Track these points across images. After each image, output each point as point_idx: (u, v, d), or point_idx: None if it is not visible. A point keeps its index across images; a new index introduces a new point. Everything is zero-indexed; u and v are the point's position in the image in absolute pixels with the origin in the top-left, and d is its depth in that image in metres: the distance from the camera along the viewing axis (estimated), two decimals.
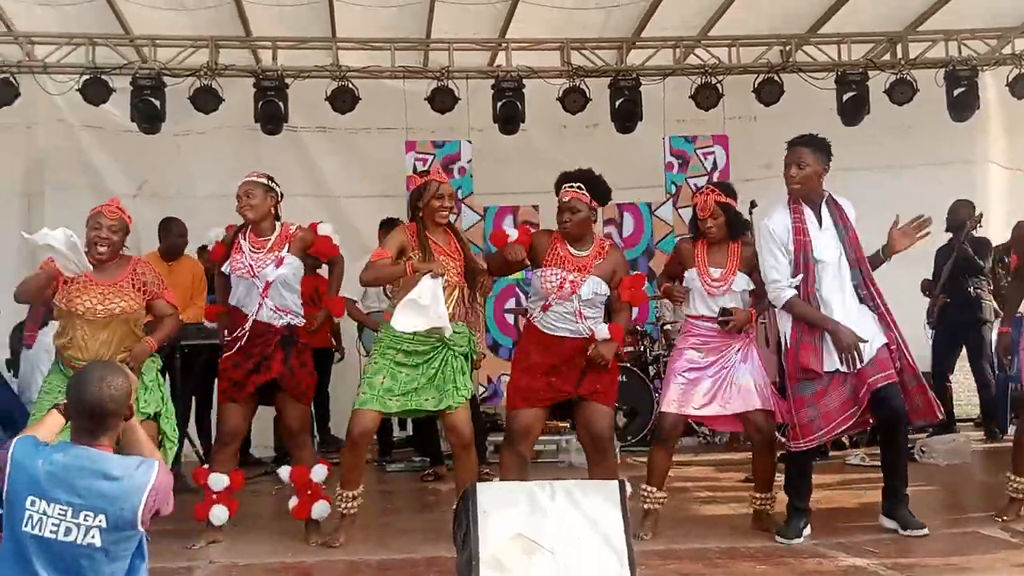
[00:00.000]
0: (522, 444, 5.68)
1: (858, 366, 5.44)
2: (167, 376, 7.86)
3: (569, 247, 5.72)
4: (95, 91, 9.75)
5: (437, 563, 5.01)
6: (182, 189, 10.64)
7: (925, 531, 5.56)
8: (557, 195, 5.76)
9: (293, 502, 5.87)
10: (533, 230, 6.13)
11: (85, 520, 3.44)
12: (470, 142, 10.84)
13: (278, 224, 5.96)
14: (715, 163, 11.05)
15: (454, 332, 5.59)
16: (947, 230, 9.19)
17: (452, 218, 6.12)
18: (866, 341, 5.45)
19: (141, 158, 10.65)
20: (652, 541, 5.62)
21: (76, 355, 5.52)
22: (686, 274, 5.89)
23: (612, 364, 5.74)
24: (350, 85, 10.11)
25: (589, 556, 4.29)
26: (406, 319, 5.37)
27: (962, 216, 9.07)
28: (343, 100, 10.12)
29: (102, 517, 3.45)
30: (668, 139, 11.03)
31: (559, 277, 5.65)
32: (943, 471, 7.78)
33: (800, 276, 5.59)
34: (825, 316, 5.56)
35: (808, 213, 5.65)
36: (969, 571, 4.83)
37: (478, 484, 4.45)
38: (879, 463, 5.93)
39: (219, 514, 5.80)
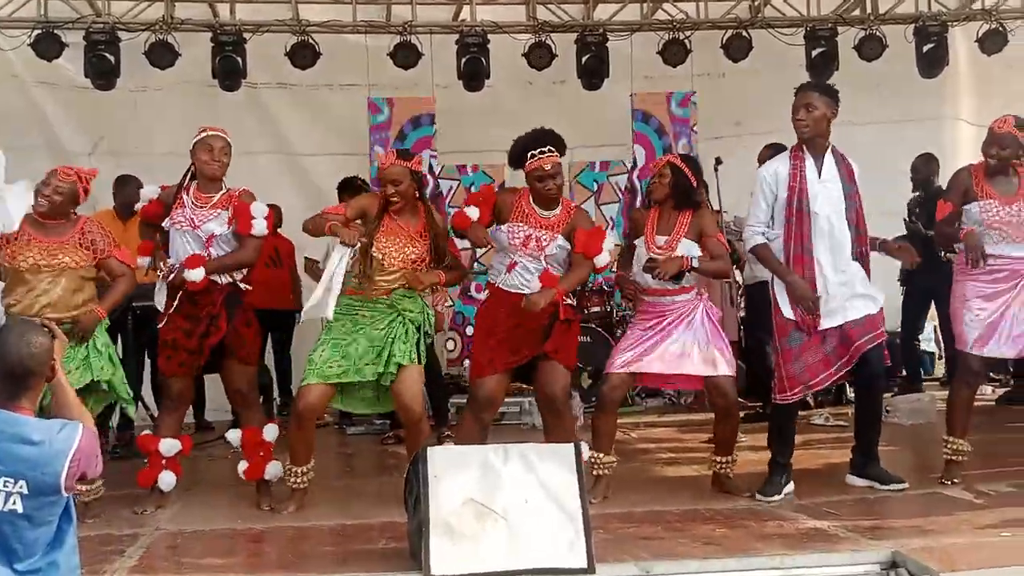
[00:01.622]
0: (485, 412, 5.60)
1: (816, 322, 5.41)
2: (119, 336, 7.72)
3: (536, 207, 5.58)
4: (47, 46, 9.48)
5: (391, 528, 4.88)
6: (139, 146, 10.34)
7: (904, 484, 5.56)
8: (524, 161, 5.54)
9: (243, 465, 5.73)
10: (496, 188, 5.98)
11: (5, 487, 3.31)
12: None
13: (224, 185, 5.78)
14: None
15: (403, 296, 5.47)
16: (913, 188, 9.12)
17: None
18: (817, 296, 5.43)
19: (97, 115, 10.38)
20: (611, 503, 5.55)
21: (23, 313, 5.38)
22: (636, 243, 5.77)
23: (573, 327, 5.63)
24: (310, 40, 9.87)
25: (543, 521, 4.18)
26: (313, 311, 5.41)
27: (924, 172, 8.99)
28: (303, 56, 9.88)
29: (23, 483, 3.32)
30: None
31: (524, 233, 5.54)
32: (907, 431, 7.73)
33: (778, 231, 5.54)
34: (783, 267, 5.52)
35: (809, 162, 5.53)
36: (932, 533, 4.74)
37: (429, 448, 4.32)
38: (845, 423, 5.89)
39: (168, 479, 5.66)
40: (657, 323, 5.65)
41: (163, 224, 5.75)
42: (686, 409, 9.29)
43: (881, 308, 5.58)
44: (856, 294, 5.49)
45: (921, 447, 7.05)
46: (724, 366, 5.62)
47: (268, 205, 8.18)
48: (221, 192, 5.72)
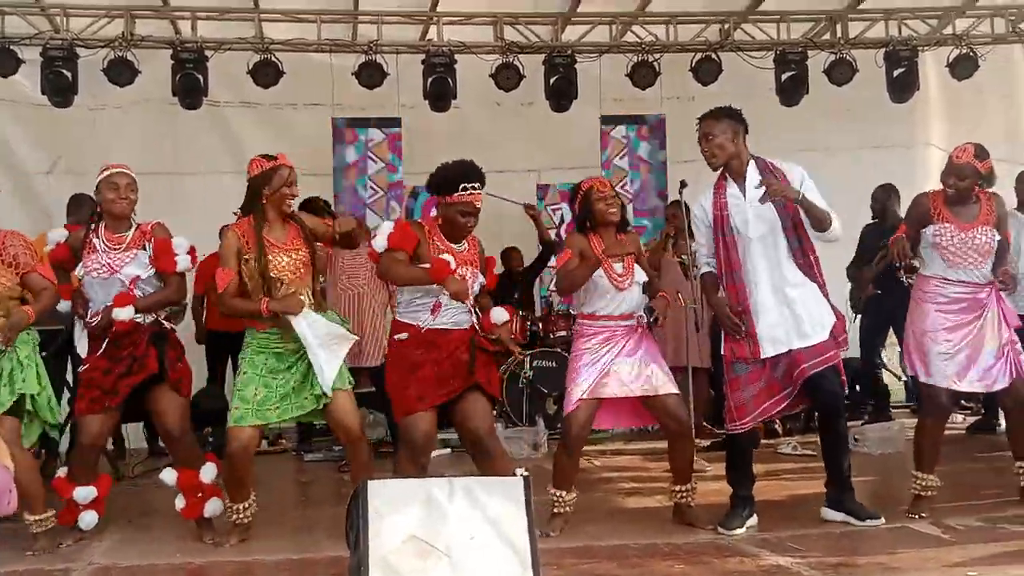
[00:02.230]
0: (424, 455, 5.18)
1: (753, 348, 5.31)
2: (69, 362, 7.49)
3: (449, 241, 5.24)
4: (2, 62, 9.28)
5: (338, 564, 4.66)
6: (98, 165, 9.94)
7: (881, 520, 5.39)
8: (452, 191, 5.13)
9: (180, 503, 5.49)
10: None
11: None
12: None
13: (133, 221, 5.55)
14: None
15: (323, 318, 5.27)
16: (873, 217, 9.06)
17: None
18: (741, 315, 5.34)
19: (55, 133, 10.18)
20: (568, 538, 5.36)
21: None
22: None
23: (493, 360, 5.37)
24: (273, 58, 9.70)
25: (489, 558, 3.96)
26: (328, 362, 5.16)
27: (882, 200, 8.94)
28: (266, 74, 9.71)
29: None
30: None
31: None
32: (876, 460, 7.56)
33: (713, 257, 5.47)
34: (710, 290, 5.53)
35: (732, 186, 5.43)
36: (898, 571, 4.58)
37: (370, 482, 4.10)
38: (813, 452, 5.72)
39: (88, 519, 5.43)
40: (600, 347, 5.47)
41: (76, 272, 5.54)
42: (654, 436, 9.08)
43: (833, 330, 5.39)
44: (801, 323, 5.31)
45: (890, 477, 6.88)
46: (670, 385, 5.48)
47: (225, 227, 8.10)
48: (132, 229, 5.51)
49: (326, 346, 5.17)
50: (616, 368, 5.44)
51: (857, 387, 10.02)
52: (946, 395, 5.59)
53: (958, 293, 5.58)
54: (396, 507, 4.00)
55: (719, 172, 5.52)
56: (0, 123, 10.37)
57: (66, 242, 5.60)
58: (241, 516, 5.34)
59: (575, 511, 5.60)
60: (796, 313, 5.32)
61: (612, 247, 5.48)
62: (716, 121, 5.43)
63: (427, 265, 5.08)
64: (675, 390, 5.51)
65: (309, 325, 5.14)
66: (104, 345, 5.36)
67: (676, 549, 5.08)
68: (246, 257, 5.22)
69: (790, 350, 5.31)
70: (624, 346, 5.47)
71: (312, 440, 8.82)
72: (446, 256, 5.10)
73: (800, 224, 5.36)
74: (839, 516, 5.48)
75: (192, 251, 5.57)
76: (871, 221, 9.16)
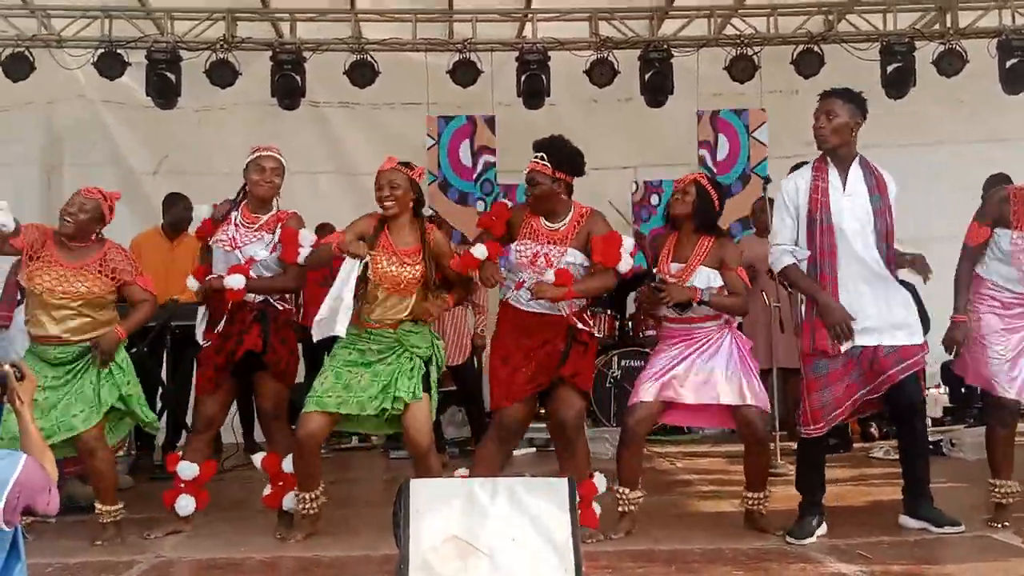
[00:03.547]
0: (510, 441, 5.42)
1: (847, 345, 5.07)
2: (162, 358, 7.71)
3: (543, 220, 5.35)
4: (110, 65, 9.58)
5: (390, 561, 4.65)
6: (202, 165, 10.37)
7: (961, 528, 5.18)
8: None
9: (267, 491, 5.64)
10: (510, 204, 5.74)
11: None
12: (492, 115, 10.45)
13: (275, 205, 5.70)
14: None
15: (409, 331, 5.27)
16: None
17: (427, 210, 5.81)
18: (853, 319, 5.08)
19: (161, 134, 10.48)
20: (634, 540, 5.27)
21: (40, 334, 5.37)
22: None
23: (591, 350, 5.41)
24: (369, 58, 9.79)
25: (530, 560, 3.93)
26: (323, 328, 5.17)
27: None
28: (362, 74, 9.82)
29: None
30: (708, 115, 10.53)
31: (531, 251, 5.31)
32: (970, 466, 7.25)
33: (807, 247, 5.20)
34: (814, 287, 5.18)
35: (833, 173, 5.20)
36: None
37: (412, 481, 4.10)
38: None
39: (183, 503, 5.59)
40: (682, 350, 5.37)
41: (208, 240, 5.71)
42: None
43: (923, 339, 5.21)
44: (895, 321, 5.14)
45: (980, 485, 6.57)
46: (751, 397, 5.30)
47: (322, 224, 8.23)
48: (270, 214, 5.65)
49: (342, 300, 5.12)
50: (692, 373, 5.34)
51: (963, 390, 9.70)
52: (1011, 400, 5.33)
53: (1012, 299, 5.34)
54: (437, 507, 4.00)
55: (820, 155, 5.29)
56: (108, 124, 10.72)
57: (212, 217, 5.76)
58: (308, 506, 5.39)
59: (646, 513, 5.53)
60: (892, 310, 5.14)
61: (680, 250, 5.44)
62: (843, 101, 5.20)
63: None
64: (756, 403, 5.31)
65: (349, 274, 5.11)
66: (220, 326, 5.54)
67: (740, 555, 4.95)
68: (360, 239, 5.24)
69: (876, 348, 5.10)
70: (693, 349, 5.37)
71: (400, 438, 8.85)
72: (476, 249, 5.26)
73: (891, 232, 5.16)
74: (917, 524, 5.28)
75: (316, 244, 5.59)
76: None
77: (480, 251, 5.27)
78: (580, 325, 5.33)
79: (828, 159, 5.24)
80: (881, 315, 5.13)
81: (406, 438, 5.38)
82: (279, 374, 5.63)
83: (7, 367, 3.55)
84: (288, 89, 9.80)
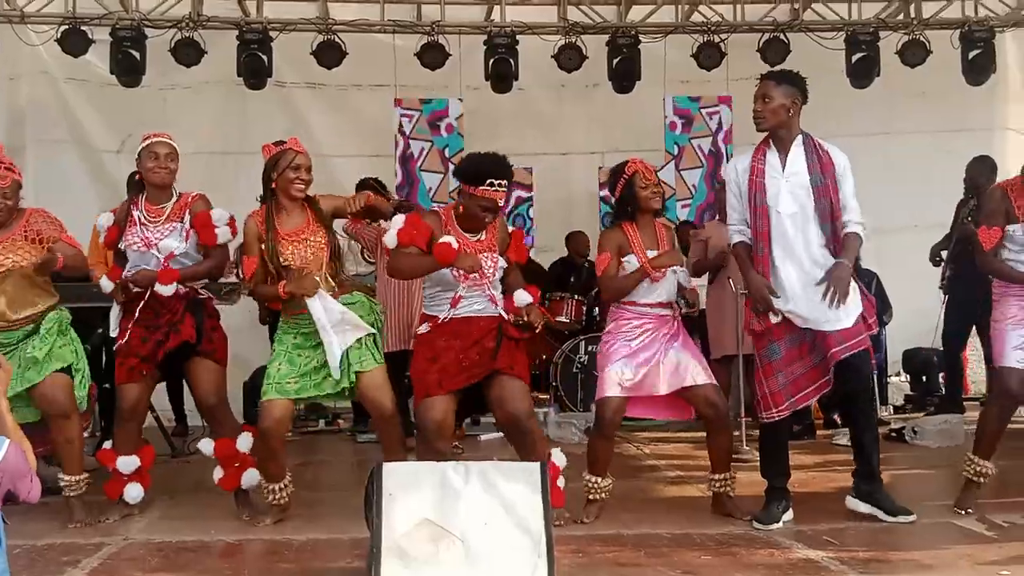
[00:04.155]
0: (441, 440, 5.08)
1: (773, 319, 5.15)
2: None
3: (464, 232, 5.20)
4: (73, 42, 9.48)
5: (360, 545, 4.67)
6: None
7: (912, 517, 5.19)
8: (478, 183, 5.06)
9: (219, 474, 5.56)
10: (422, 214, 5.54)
11: None
12: (460, 100, 10.42)
13: (175, 191, 5.59)
14: (720, 123, 10.60)
15: (349, 303, 5.25)
16: (965, 192, 8.66)
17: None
18: (777, 296, 5.13)
19: (126, 112, 10.31)
20: (602, 524, 5.29)
21: None
22: (624, 262, 5.40)
23: (522, 346, 5.28)
24: (337, 39, 9.74)
25: (503, 543, 3.95)
26: (338, 346, 5.16)
27: (976, 177, 8.52)
28: (330, 55, 9.77)
29: None
30: (671, 99, 10.58)
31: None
32: (932, 454, 7.37)
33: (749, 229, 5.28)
34: (747, 264, 5.28)
35: (773, 155, 5.21)
36: (929, 569, 4.46)
37: (385, 464, 4.11)
38: None
39: (133, 493, 5.53)
40: (644, 337, 5.38)
41: (119, 246, 5.59)
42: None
43: (860, 318, 5.20)
44: (822, 307, 5.11)
45: (944, 472, 6.69)
46: (704, 375, 5.37)
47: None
48: (172, 200, 5.53)
49: (339, 330, 5.17)
50: (655, 366, 5.34)
51: (924, 378, 9.82)
52: (1017, 381, 5.34)
53: None
54: (409, 490, 4.01)
55: (763, 138, 5.30)
56: (72, 102, 10.61)
57: (115, 223, 5.60)
58: (277, 497, 5.38)
59: (613, 499, 5.55)
60: (820, 296, 5.11)
61: (644, 236, 5.41)
62: (776, 84, 5.20)
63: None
64: (710, 380, 5.40)
65: (324, 308, 5.14)
66: (137, 314, 5.42)
67: (708, 539, 4.99)
68: (262, 245, 5.25)
69: (819, 331, 5.13)
70: (660, 335, 5.38)
71: (367, 421, 8.85)
72: (447, 238, 5.06)
73: (836, 211, 5.15)
74: (866, 508, 5.30)
75: (232, 222, 5.55)
76: (966, 197, 8.75)
77: (452, 240, 5.06)
78: (511, 318, 5.19)
79: (770, 141, 5.26)
80: (809, 300, 5.13)
81: (368, 404, 5.36)
82: (214, 353, 5.56)
83: None
84: (254, 69, 9.72)
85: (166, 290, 5.37)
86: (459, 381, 5.08)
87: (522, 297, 5.23)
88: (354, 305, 5.29)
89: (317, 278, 5.20)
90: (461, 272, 5.08)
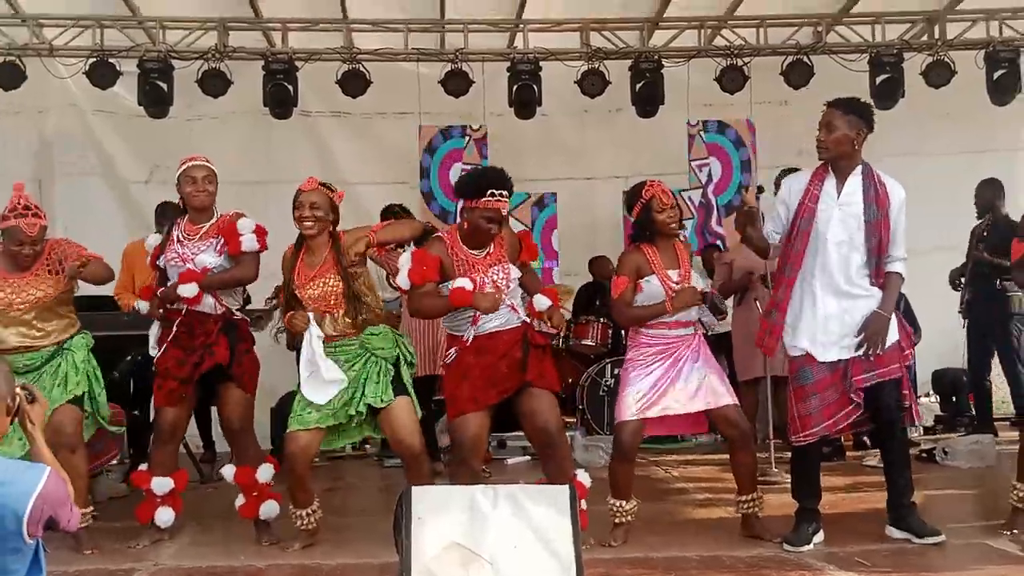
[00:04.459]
0: (473, 458, 5.14)
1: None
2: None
3: (468, 249, 5.22)
4: (102, 74, 9.56)
5: (389, 569, 4.69)
6: None
7: (942, 538, 5.15)
8: (479, 196, 5.08)
9: (240, 501, 5.59)
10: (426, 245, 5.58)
11: None
12: (475, 128, 10.46)
13: (216, 212, 5.68)
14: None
15: (371, 334, 5.29)
16: (978, 216, 8.71)
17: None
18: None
19: (153, 143, 10.44)
20: (631, 547, 5.29)
21: (3, 347, 5.30)
22: (643, 283, 5.40)
23: (548, 352, 5.34)
24: (361, 68, 9.81)
25: (532, 567, 3.94)
26: (316, 392, 5.22)
27: (988, 197, 8.55)
28: (354, 84, 9.82)
29: None
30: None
31: (480, 283, 5.16)
32: (964, 475, 7.31)
33: (783, 247, 5.32)
34: (752, 229, 5.45)
35: (830, 182, 5.21)
36: None
37: (414, 488, 4.12)
38: None
39: (164, 516, 5.56)
40: (664, 359, 5.37)
41: (158, 263, 5.67)
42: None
43: (896, 346, 5.19)
44: (854, 340, 5.14)
45: (976, 493, 6.64)
46: (727, 396, 5.35)
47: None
48: (211, 221, 5.62)
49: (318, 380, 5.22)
50: (672, 384, 5.33)
51: (954, 398, 9.75)
52: None
53: None
54: (439, 514, 4.00)
55: (823, 163, 5.29)
56: (100, 133, 10.72)
57: (159, 244, 5.74)
58: (305, 522, 5.39)
59: (641, 521, 5.54)
60: (855, 323, 5.14)
61: (664, 257, 5.43)
62: (843, 113, 5.20)
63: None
64: (733, 401, 5.37)
65: (312, 345, 5.20)
66: (173, 333, 5.49)
67: (737, 562, 4.97)
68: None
69: (847, 360, 5.13)
70: (680, 357, 5.37)
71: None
72: (460, 282, 5.08)
73: (883, 247, 5.16)
74: (900, 534, 5.28)
75: (259, 230, 5.57)
76: (979, 221, 8.78)
77: (466, 283, 5.09)
78: (536, 325, 5.29)
79: (829, 167, 5.26)
80: (842, 328, 5.15)
81: (393, 442, 5.38)
82: (245, 383, 5.61)
83: (18, 390, 3.51)
84: (280, 98, 9.79)
85: (188, 290, 5.41)
86: (492, 396, 5.11)
87: (542, 302, 5.28)
88: (377, 336, 5.31)
89: (310, 315, 5.22)
90: (477, 313, 5.11)
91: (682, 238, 5.72)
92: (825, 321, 5.16)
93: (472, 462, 5.10)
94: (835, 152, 5.18)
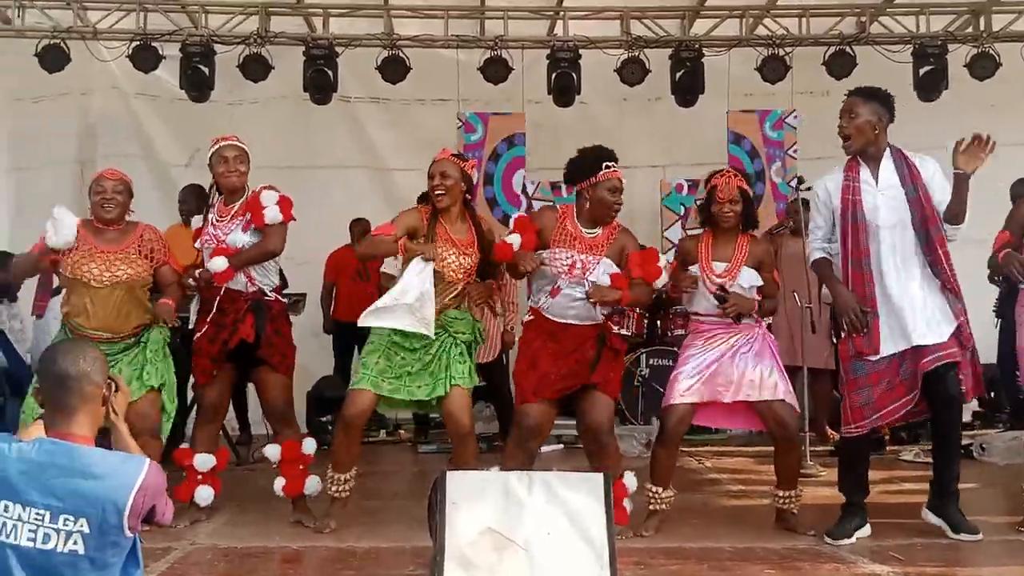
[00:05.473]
0: (532, 441, 5.35)
1: (871, 344, 5.09)
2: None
3: (580, 226, 5.36)
4: (144, 58, 9.60)
5: (423, 554, 4.70)
6: None
7: (978, 537, 5.10)
8: (595, 172, 5.31)
9: (280, 482, 5.64)
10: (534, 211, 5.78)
11: (65, 525, 2.97)
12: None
13: (248, 190, 5.70)
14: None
15: (455, 318, 5.34)
16: None
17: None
18: (867, 311, 5.10)
19: (194, 127, 10.42)
20: (665, 537, 5.30)
21: (82, 323, 5.45)
22: (690, 270, 5.47)
23: (619, 357, 5.47)
24: (401, 54, 9.82)
25: (566, 553, 3.96)
26: (382, 317, 5.19)
27: (1020, 193, 8.42)
28: (394, 70, 9.81)
29: (84, 521, 2.98)
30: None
31: (570, 258, 5.30)
32: (1001, 471, 7.24)
33: (841, 247, 5.24)
34: (833, 280, 5.25)
35: (865, 171, 5.21)
36: None
37: (448, 472, 4.14)
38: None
39: (204, 495, 5.62)
40: (721, 348, 5.37)
41: (195, 245, 5.75)
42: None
43: (958, 328, 5.15)
44: (928, 316, 5.11)
45: (1013, 489, 6.56)
46: (786, 394, 5.32)
47: (356, 219, 8.28)
48: (241, 200, 5.64)
49: (408, 310, 5.20)
50: (722, 371, 5.34)
51: (991, 394, 9.65)
52: None
53: None
54: (473, 499, 4.03)
55: (852, 156, 5.30)
56: (142, 117, 10.79)
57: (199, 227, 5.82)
58: (339, 488, 5.44)
59: (675, 511, 5.54)
60: (918, 309, 5.11)
61: (719, 250, 5.43)
62: (864, 101, 5.23)
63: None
64: (784, 397, 5.35)
65: (418, 274, 5.19)
66: (210, 311, 5.55)
67: (771, 554, 4.97)
68: (418, 239, 5.30)
69: (914, 347, 5.09)
70: (731, 346, 5.36)
71: (428, 431, 8.91)
72: (510, 238, 5.27)
73: (933, 219, 5.13)
74: (935, 520, 5.26)
75: (283, 201, 5.58)
76: None
77: (515, 239, 5.29)
78: (614, 328, 5.30)
79: (858, 158, 5.24)
80: (909, 318, 5.11)
81: (447, 419, 5.41)
82: (277, 366, 5.63)
83: None
84: (320, 84, 9.81)
85: (216, 263, 5.46)
86: (555, 391, 5.24)
87: (603, 280, 5.32)
88: (461, 321, 5.38)
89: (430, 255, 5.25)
90: (558, 284, 5.26)
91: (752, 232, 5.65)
92: (890, 311, 5.12)
93: (530, 444, 5.31)
94: (859, 140, 5.20)
